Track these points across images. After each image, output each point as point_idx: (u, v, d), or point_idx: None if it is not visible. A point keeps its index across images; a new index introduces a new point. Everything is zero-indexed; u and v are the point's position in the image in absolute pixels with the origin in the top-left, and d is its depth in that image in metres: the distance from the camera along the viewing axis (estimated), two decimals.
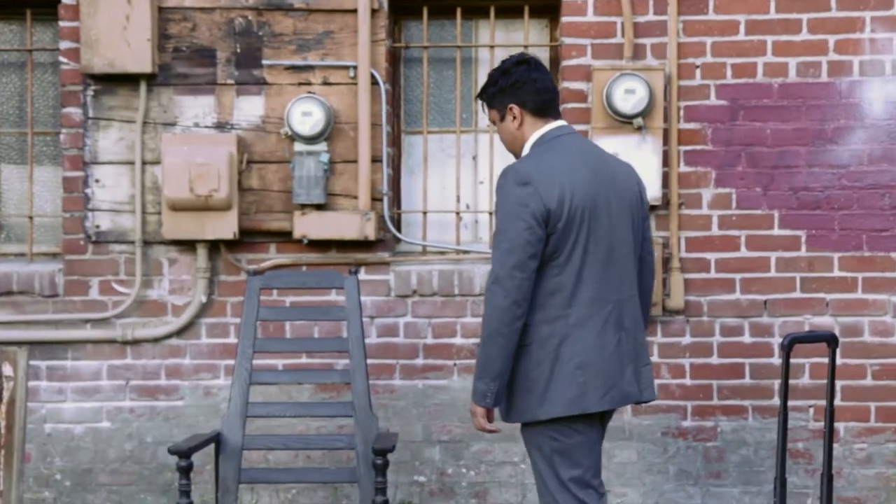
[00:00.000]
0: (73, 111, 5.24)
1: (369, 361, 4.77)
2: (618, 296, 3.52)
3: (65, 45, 5.22)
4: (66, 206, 5.26)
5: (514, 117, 3.62)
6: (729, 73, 5.12)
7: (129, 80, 5.18)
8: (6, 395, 4.01)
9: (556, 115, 3.65)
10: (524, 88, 3.60)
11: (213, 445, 4.55)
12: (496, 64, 5.19)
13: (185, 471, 4.19)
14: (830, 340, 4.11)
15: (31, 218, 5.39)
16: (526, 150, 3.62)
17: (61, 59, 5.24)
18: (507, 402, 3.55)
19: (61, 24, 5.22)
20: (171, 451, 4.21)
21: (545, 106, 3.62)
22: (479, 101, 3.82)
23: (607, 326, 3.49)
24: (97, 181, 5.22)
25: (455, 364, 5.17)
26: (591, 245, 3.47)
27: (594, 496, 3.55)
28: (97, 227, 5.22)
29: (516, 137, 3.65)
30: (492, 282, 3.41)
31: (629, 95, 4.97)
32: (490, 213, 5.30)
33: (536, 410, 3.47)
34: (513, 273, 3.38)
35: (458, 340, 5.18)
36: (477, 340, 5.05)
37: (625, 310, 3.54)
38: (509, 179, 3.46)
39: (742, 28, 5.12)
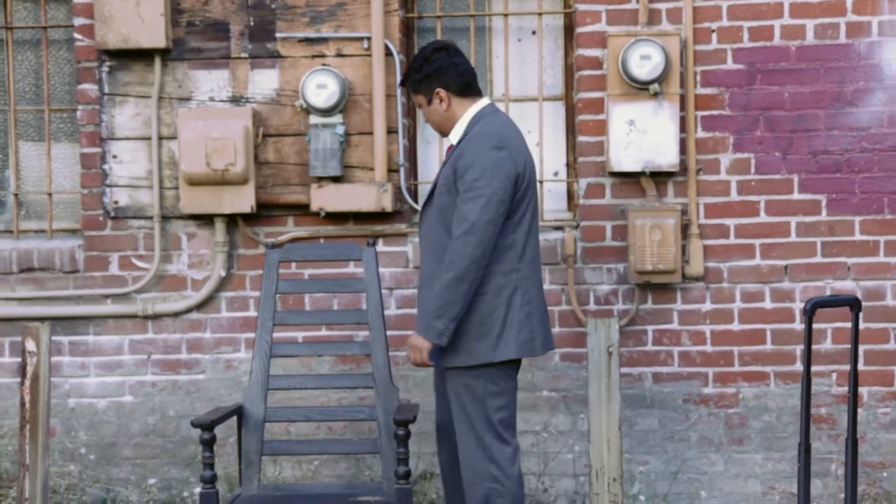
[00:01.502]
0: (89, 87, 5.22)
1: (389, 333, 4.73)
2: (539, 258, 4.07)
3: (79, 21, 5.20)
4: (85, 182, 5.26)
5: (442, 100, 3.98)
6: (745, 36, 5.03)
7: (143, 56, 5.15)
8: (30, 370, 4.10)
9: (479, 94, 4.04)
10: (448, 73, 3.95)
11: (235, 418, 4.55)
12: (511, 32, 5.23)
13: (209, 443, 4.19)
14: (853, 304, 4.01)
15: (49, 195, 5.40)
16: (461, 127, 3.98)
17: (76, 35, 5.22)
18: (456, 346, 3.85)
19: (75, 0, 5.20)
20: (194, 424, 4.21)
21: (468, 87, 3.99)
22: (402, 89, 4.24)
23: (540, 283, 4.02)
24: (114, 157, 5.20)
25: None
26: (534, 209, 3.96)
27: (515, 440, 3.93)
28: (115, 202, 5.21)
29: (445, 118, 4.01)
30: (465, 231, 3.74)
31: (645, 61, 4.88)
32: None
33: (492, 353, 3.84)
34: (487, 226, 3.75)
35: None
36: None
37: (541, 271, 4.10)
38: (487, 143, 3.83)
39: None
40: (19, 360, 4.17)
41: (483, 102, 4.00)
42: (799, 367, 4.99)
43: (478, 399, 3.86)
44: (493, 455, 3.84)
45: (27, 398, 4.04)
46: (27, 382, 4.05)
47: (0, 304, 5.25)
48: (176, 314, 5.22)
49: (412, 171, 5.31)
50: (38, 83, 5.44)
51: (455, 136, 3.99)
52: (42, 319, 4.90)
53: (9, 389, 5.19)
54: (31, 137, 5.48)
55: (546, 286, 5.04)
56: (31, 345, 4.06)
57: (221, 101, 5.16)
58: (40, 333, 4.08)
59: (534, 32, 5.31)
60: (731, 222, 5.06)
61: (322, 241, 5.16)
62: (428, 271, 3.95)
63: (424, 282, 3.97)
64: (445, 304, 3.76)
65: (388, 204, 5.01)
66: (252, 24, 5.14)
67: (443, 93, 3.94)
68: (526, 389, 5.02)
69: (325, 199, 5.05)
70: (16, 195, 5.41)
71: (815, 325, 4.35)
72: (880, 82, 4.98)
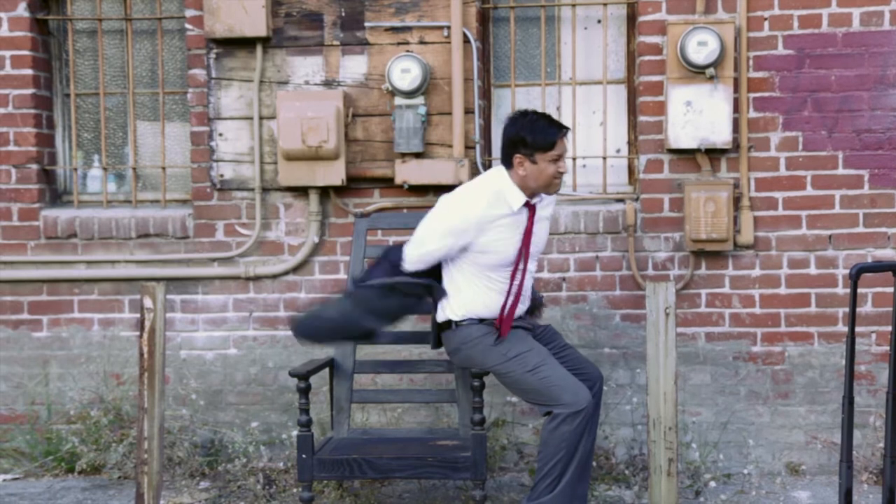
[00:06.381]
0: (198, 72, 5.18)
1: None
2: None
3: (190, 13, 5.16)
4: (194, 157, 5.23)
5: None
6: (795, 24, 4.85)
7: (246, 44, 5.10)
8: (147, 324, 4.08)
9: None
10: None
11: (327, 369, 4.53)
12: (578, 21, 5.14)
13: (304, 392, 4.17)
14: None
15: (163, 168, 5.37)
16: None
17: (187, 25, 5.18)
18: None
19: None
20: (292, 374, 4.21)
21: None
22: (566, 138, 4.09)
23: None
24: (220, 135, 5.17)
25: (542, 295, 5.02)
26: None
27: None
28: (221, 176, 5.18)
29: None
30: None
31: (702, 47, 4.74)
32: (573, 159, 5.13)
33: None
34: None
35: (544, 274, 5.02)
36: (561, 274, 4.95)
37: None
38: None
39: None
40: (138, 315, 4.21)
41: None
42: (840, 328, 4.85)
43: None
44: None
45: (145, 349, 4.04)
46: (145, 336, 4.03)
47: (120, 266, 5.25)
48: (274, 276, 5.19)
49: (486, 147, 5.21)
50: (153, 69, 5.41)
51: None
52: (157, 280, 4.90)
53: (128, 342, 5.21)
54: (147, 117, 5.45)
55: (608, 253, 5.00)
56: (148, 302, 4.04)
57: (316, 84, 5.10)
58: (156, 292, 4.06)
59: (599, 21, 5.18)
60: (779, 195, 4.91)
61: (405, 210, 5.09)
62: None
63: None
64: None
65: (464, 177, 4.92)
66: (343, 14, 5.07)
67: None
68: (589, 346, 4.94)
69: (409, 172, 4.99)
70: (134, 169, 5.39)
71: (857, 290, 4.19)
72: None
